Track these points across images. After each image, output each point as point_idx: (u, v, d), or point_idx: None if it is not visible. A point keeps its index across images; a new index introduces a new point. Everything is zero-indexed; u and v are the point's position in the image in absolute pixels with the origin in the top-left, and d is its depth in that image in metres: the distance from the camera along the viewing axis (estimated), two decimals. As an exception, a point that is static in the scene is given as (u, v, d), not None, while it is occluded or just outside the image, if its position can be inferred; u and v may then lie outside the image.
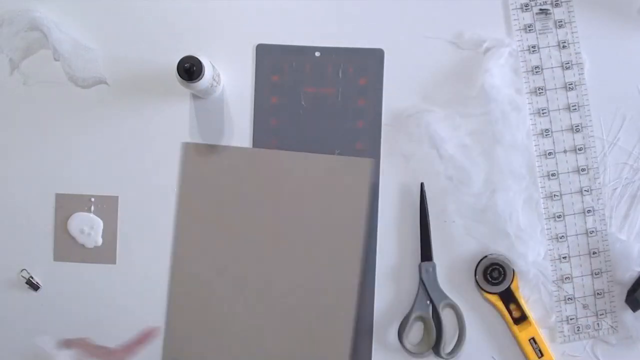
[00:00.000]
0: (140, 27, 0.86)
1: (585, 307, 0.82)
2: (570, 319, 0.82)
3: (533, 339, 0.80)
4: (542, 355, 0.80)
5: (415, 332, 0.83)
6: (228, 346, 0.84)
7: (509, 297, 0.80)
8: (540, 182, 0.82)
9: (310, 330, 0.83)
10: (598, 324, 0.82)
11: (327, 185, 0.83)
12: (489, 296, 0.81)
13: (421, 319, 0.82)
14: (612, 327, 0.82)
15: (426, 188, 0.82)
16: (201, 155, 0.85)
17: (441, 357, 0.80)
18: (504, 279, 0.80)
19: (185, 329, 0.84)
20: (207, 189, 0.84)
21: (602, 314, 0.82)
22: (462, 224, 0.82)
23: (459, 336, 0.81)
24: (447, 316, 0.82)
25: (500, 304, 0.81)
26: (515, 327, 0.80)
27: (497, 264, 0.80)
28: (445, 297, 0.81)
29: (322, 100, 0.84)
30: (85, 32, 0.86)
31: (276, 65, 0.84)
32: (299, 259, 0.83)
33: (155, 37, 0.85)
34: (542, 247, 0.81)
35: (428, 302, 0.81)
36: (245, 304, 0.84)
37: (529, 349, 0.80)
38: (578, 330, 0.82)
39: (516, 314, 0.80)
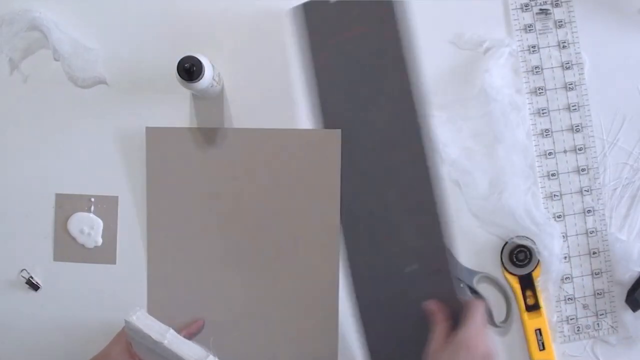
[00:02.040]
0: (140, 27, 0.86)
1: (585, 307, 0.82)
2: (570, 319, 0.82)
3: (539, 330, 0.80)
4: (543, 348, 0.80)
5: None
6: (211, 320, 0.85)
7: (527, 283, 0.81)
8: (540, 182, 0.82)
9: (296, 298, 0.84)
10: (598, 324, 0.82)
11: (299, 159, 0.84)
12: (509, 277, 0.81)
13: None
14: (612, 327, 0.82)
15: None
16: (167, 139, 0.85)
17: (498, 327, 0.81)
18: (528, 262, 0.80)
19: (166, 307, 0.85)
20: (176, 172, 0.85)
21: (602, 314, 0.82)
22: (477, 224, 0.82)
23: (506, 301, 0.81)
24: (485, 289, 0.82)
25: (517, 288, 0.81)
26: (525, 314, 0.81)
27: (524, 246, 0.80)
28: (475, 272, 0.82)
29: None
30: (85, 32, 0.86)
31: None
32: (277, 232, 0.84)
33: (155, 37, 0.85)
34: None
35: (462, 285, 0.81)
36: (225, 277, 0.85)
37: (532, 339, 0.80)
38: (578, 330, 0.82)
39: (530, 302, 0.81)
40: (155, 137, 0.85)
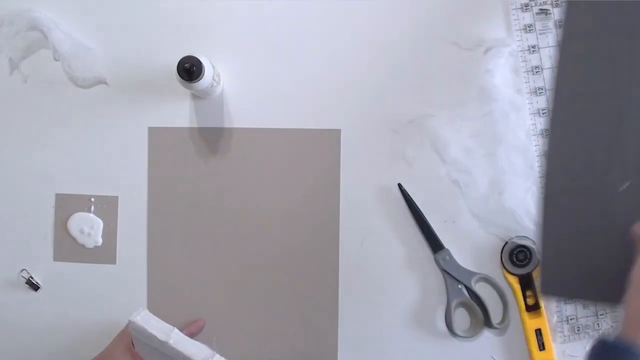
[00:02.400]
0: (140, 27, 0.86)
1: (585, 307, 0.82)
2: (570, 319, 0.82)
3: (539, 330, 0.80)
4: (544, 348, 0.80)
5: (461, 318, 0.83)
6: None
7: (527, 283, 0.80)
8: (541, 182, 0.82)
9: (296, 297, 0.84)
10: (598, 324, 0.82)
11: (300, 157, 0.84)
12: (510, 277, 0.81)
13: (461, 304, 0.82)
14: (612, 327, 0.82)
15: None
16: (169, 139, 0.85)
17: (495, 328, 0.80)
18: (528, 262, 0.80)
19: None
20: (177, 171, 0.85)
21: (602, 314, 0.82)
22: (478, 225, 0.82)
23: (503, 303, 0.81)
24: (483, 289, 0.82)
25: (517, 287, 0.81)
26: (525, 314, 0.81)
27: (524, 246, 0.80)
28: (474, 273, 0.82)
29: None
30: (85, 32, 0.86)
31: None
32: (278, 231, 0.84)
33: (155, 37, 0.85)
34: None
35: (460, 286, 0.82)
36: (225, 276, 0.85)
37: (532, 339, 0.80)
38: (578, 330, 0.82)
39: (530, 302, 0.81)
40: (158, 137, 0.85)
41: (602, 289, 0.73)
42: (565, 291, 0.77)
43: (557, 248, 0.75)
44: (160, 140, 0.85)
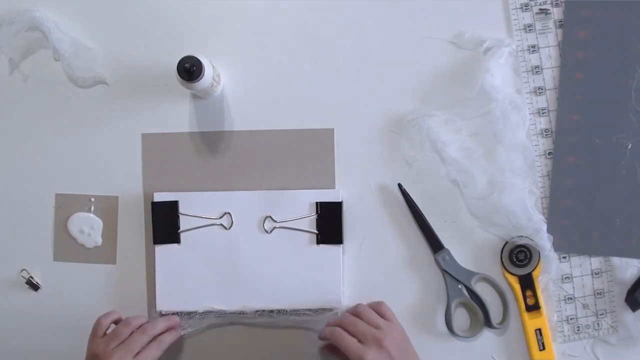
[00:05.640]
0: (140, 27, 0.86)
1: (585, 307, 0.82)
2: (570, 319, 0.82)
3: (539, 330, 0.80)
4: (544, 348, 0.80)
5: (461, 318, 0.83)
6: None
7: (527, 283, 0.81)
8: (540, 182, 0.82)
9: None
10: (598, 323, 0.82)
11: (298, 157, 0.84)
12: (510, 277, 0.81)
13: (461, 304, 0.82)
14: (612, 327, 0.82)
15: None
16: (163, 144, 0.85)
17: (495, 328, 0.80)
18: (528, 262, 0.80)
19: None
20: (173, 177, 0.85)
21: (602, 314, 0.82)
22: (477, 225, 0.82)
23: (503, 303, 0.82)
24: (483, 289, 0.82)
25: (517, 288, 0.81)
26: (525, 314, 0.81)
27: (524, 246, 0.80)
28: (473, 273, 0.82)
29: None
30: (85, 32, 0.86)
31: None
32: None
33: (155, 37, 0.85)
34: None
35: (460, 286, 0.81)
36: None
37: (533, 339, 0.81)
38: (578, 330, 0.82)
39: (530, 302, 0.81)
40: (157, 136, 0.85)
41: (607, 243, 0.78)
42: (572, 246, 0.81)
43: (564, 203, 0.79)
44: (159, 139, 0.85)
